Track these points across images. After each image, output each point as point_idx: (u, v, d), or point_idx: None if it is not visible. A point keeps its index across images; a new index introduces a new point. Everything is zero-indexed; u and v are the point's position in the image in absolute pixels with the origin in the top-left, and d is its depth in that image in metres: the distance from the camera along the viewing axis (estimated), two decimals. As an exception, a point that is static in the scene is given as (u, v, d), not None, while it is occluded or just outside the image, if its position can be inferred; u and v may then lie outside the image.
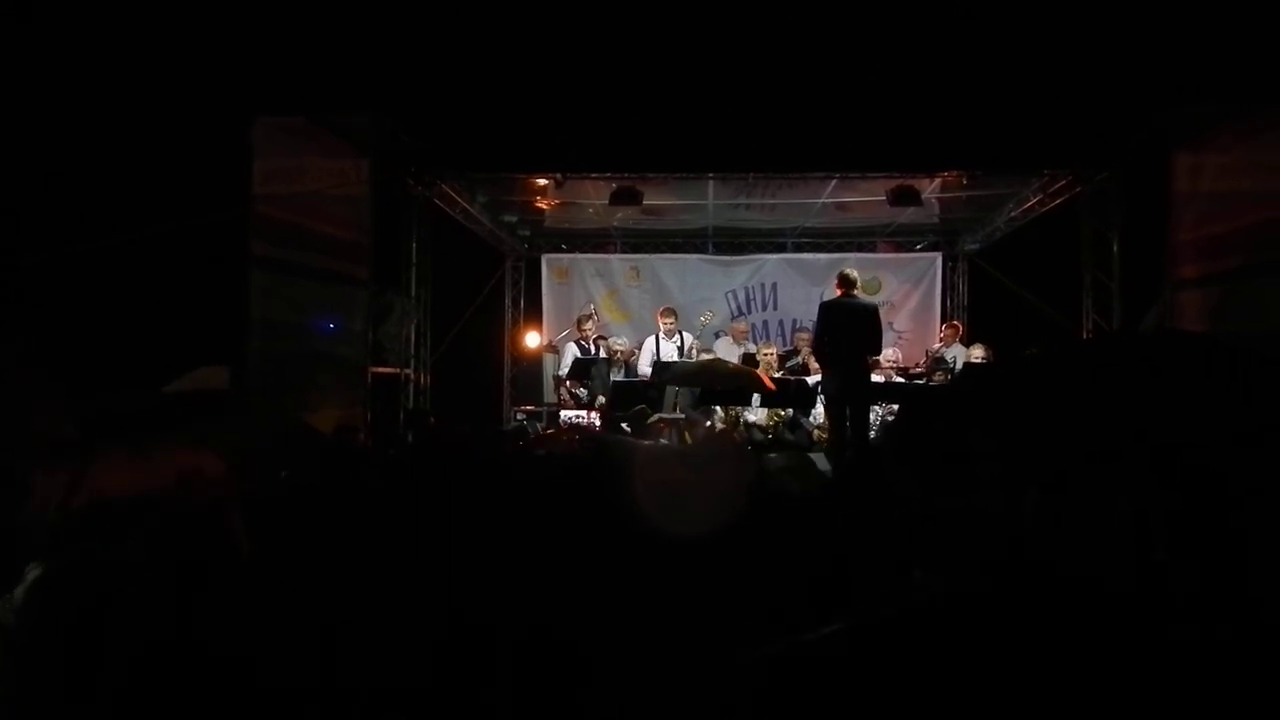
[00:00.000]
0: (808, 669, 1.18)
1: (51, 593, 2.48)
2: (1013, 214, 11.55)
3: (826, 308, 9.03)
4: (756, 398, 10.14)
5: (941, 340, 12.25)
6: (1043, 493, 2.09)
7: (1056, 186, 10.28)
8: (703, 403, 10.21)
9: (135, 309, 7.91)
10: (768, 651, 1.19)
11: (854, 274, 9.06)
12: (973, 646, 1.23)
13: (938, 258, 13.67)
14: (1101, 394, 2.55)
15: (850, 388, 8.77)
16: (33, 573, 2.50)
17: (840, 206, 11.75)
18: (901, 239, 13.69)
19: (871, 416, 9.55)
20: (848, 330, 8.77)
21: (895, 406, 10.40)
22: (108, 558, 2.61)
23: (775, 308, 13.65)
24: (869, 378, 9.30)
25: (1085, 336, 10.15)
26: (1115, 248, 9.84)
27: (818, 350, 9.37)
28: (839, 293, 9.00)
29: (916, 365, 11.85)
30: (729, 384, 9.67)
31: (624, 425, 9.04)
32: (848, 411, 8.82)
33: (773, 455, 4.84)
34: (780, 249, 13.74)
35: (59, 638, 2.44)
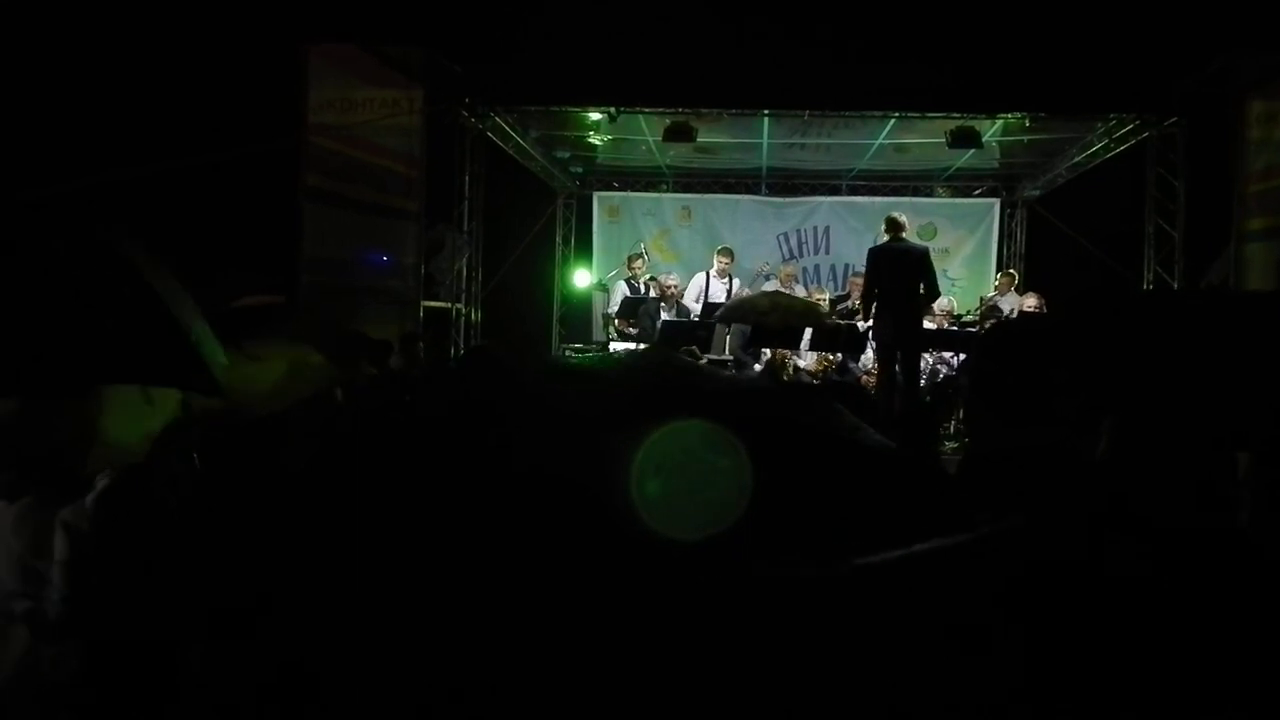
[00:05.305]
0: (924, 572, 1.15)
1: (111, 505, 2.51)
2: (1075, 159, 11.26)
3: (875, 253, 8.96)
4: (806, 342, 10.07)
5: (996, 289, 12.05)
6: (1120, 429, 2.03)
7: (1122, 132, 9.97)
8: (753, 345, 10.16)
9: (186, 240, 7.97)
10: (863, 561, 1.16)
11: (902, 217, 8.97)
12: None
13: (996, 204, 13.41)
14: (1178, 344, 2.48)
15: (901, 334, 8.69)
16: (101, 482, 2.53)
17: (897, 149, 11.51)
18: (959, 184, 13.42)
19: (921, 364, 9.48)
20: (898, 275, 8.69)
21: (944, 354, 10.32)
22: (169, 469, 2.64)
23: (827, 252, 13.49)
24: (920, 324, 9.21)
25: (1146, 288, 9.92)
26: (1181, 197, 9.56)
27: (866, 297, 9.27)
28: (887, 237, 8.93)
29: (969, 313, 11.67)
30: (799, 320, 9.63)
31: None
32: (898, 358, 8.76)
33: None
34: (834, 191, 13.51)
35: (117, 550, 2.47)
